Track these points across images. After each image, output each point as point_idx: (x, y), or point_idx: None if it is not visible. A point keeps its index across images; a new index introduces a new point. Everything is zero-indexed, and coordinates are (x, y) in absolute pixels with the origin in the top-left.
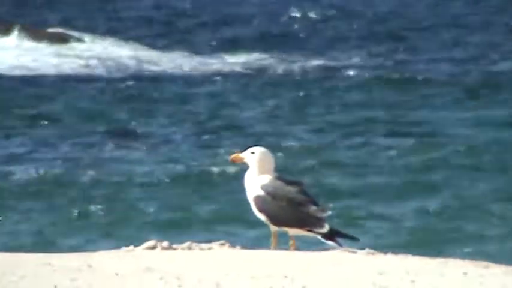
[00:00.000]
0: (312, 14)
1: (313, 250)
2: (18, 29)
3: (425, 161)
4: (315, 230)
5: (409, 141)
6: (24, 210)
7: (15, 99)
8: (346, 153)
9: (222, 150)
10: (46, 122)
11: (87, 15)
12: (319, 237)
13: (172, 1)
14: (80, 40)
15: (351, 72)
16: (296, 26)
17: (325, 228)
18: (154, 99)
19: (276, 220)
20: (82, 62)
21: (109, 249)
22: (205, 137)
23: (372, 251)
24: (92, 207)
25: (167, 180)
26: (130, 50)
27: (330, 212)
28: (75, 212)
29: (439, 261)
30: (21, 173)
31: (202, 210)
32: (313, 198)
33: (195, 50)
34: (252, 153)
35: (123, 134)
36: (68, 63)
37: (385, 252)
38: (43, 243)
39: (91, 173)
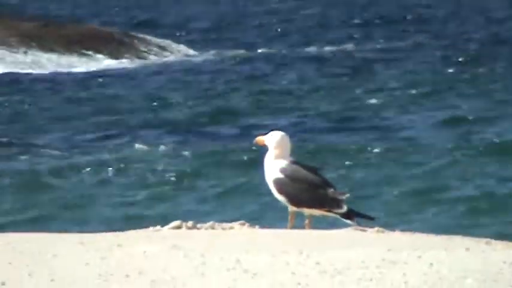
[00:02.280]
0: None
1: (327, 229)
2: None
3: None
4: (335, 210)
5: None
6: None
7: None
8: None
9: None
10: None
11: None
12: (339, 216)
13: None
14: None
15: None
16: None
17: (344, 209)
18: None
19: (296, 201)
20: None
21: (138, 230)
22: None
23: (381, 229)
24: (122, 193)
25: (192, 167)
26: None
27: (348, 195)
28: (106, 196)
29: (443, 237)
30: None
31: (224, 192)
32: (330, 182)
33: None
34: (273, 137)
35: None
36: None
37: (394, 230)
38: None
39: (119, 162)
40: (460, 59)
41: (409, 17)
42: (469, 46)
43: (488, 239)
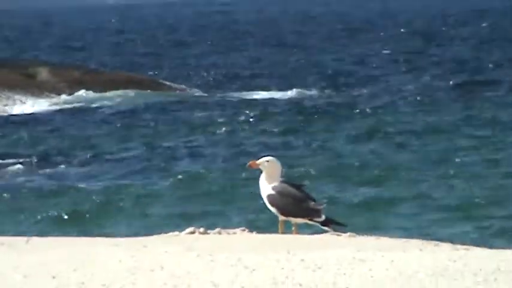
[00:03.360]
0: None
1: (309, 234)
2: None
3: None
4: (315, 219)
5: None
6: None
7: None
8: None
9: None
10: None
11: None
12: (318, 224)
13: None
14: None
15: None
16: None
17: (323, 218)
18: None
19: (284, 212)
20: None
21: (160, 234)
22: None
23: (353, 234)
24: (149, 205)
25: (207, 183)
26: None
27: (325, 205)
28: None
29: (401, 240)
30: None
31: (230, 205)
32: (311, 196)
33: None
34: (266, 161)
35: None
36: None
37: (363, 235)
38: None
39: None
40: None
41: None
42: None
43: (436, 242)
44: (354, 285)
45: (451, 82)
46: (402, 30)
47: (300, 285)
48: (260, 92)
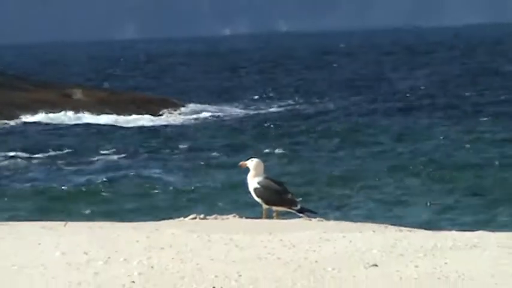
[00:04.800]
0: None
1: (287, 219)
2: None
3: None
4: (292, 207)
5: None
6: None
7: None
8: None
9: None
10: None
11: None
12: (295, 211)
13: None
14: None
15: None
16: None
17: (298, 207)
18: None
19: (268, 202)
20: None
21: (169, 220)
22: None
23: (321, 219)
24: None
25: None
26: None
27: (300, 199)
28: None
29: (359, 224)
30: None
31: (225, 195)
32: (289, 189)
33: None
34: (252, 161)
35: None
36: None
37: (328, 220)
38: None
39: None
40: None
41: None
42: None
43: (386, 225)
44: (321, 259)
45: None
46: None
47: (279, 259)
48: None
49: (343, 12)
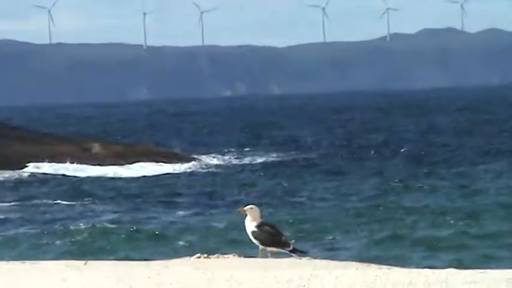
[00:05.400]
0: None
1: (280, 258)
2: None
3: None
4: (285, 248)
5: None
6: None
7: None
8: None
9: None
10: None
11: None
12: (287, 252)
13: None
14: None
15: None
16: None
17: (291, 247)
18: None
19: (263, 243)
20: None
21: (177, 258)
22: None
23: (310, 258)
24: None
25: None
26: None
27: (293, 240)
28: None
29: (344, 262)
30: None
31: (226, 237)
32: (282, 232)
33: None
34: (250, 208)
35: None
36: None
37: (316, 259)
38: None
39: None
40: None
41: None
42: None
43: (368, 263)
44: None
45: None
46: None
47: None
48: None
49: (326, 77)
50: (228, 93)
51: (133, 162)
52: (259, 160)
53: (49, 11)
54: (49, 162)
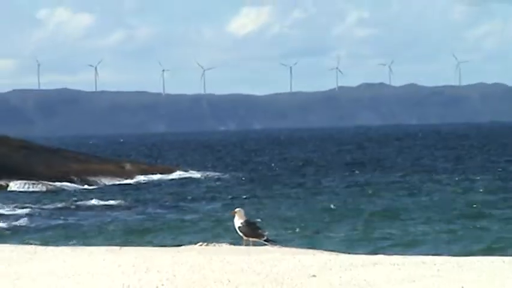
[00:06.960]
0: None
1: (259, 246)
2: None
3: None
4: (262, 239)
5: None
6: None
7: None
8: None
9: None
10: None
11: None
12: (263, 241)
13: None
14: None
15: None
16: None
17: (265, 237)
18: None
19: (246, 235)
20: None
21: (185, 246)
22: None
23: (280, 246)
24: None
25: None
26: None
27: (267, 232)
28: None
29: (304, 249)
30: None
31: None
32: (260, 227)
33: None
34: (238, 210)
35: None
36: None
37: (285, 247)
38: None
39: None
40: None
41: None
42: None
43: (322, 250)
44: (280, 271)
45: None
46: None
47: (254, 271)
48: None
49: (293, 117)
50: (222, 128)
51: (149, 174)
52: (240, 175)
53: (95, 68)
54: (95, 176)
